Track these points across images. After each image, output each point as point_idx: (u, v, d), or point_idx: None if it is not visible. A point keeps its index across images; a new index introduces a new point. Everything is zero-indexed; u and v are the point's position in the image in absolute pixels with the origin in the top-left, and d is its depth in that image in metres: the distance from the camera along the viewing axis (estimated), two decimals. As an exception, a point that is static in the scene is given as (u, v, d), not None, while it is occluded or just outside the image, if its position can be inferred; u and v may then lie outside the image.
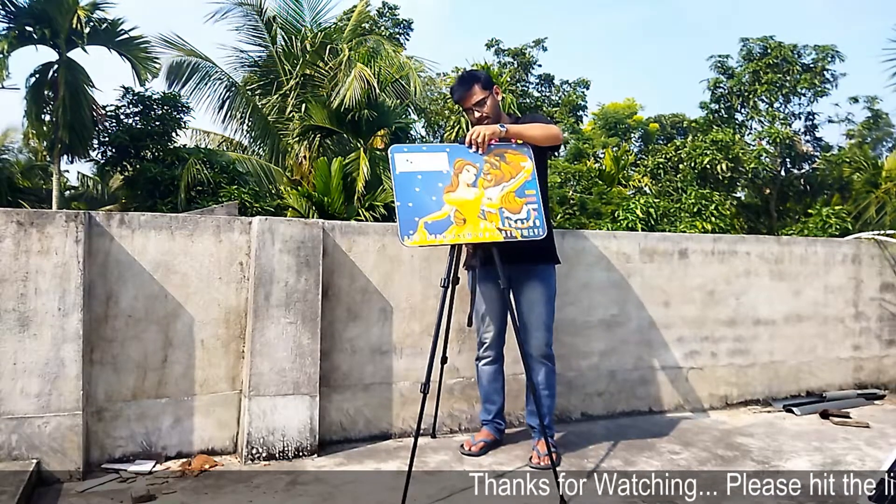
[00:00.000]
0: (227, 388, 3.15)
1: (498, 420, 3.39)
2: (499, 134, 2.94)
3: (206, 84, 15.06)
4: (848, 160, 19.68)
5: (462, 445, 3.27)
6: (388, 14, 22.53)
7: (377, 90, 12.89)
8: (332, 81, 13.43)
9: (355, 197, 12.35)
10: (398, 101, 14.65)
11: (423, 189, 2.78)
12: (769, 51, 20.33)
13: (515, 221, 2.81)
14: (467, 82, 3.20)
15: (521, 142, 2.99)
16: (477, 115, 3.14)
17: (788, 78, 20.01)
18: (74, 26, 14.46)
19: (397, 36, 21.91)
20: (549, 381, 3.17)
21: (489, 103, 3.15)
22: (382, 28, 21.38)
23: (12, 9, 14.74)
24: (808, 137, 21.63)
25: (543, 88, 25.29)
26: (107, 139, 15.43)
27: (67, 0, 14.68)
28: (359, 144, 13.36)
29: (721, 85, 21.10)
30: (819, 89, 20.15)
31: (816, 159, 21.00)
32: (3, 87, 15.38)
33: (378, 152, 13.24)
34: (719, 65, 21.45)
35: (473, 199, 2.81)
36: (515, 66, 23.84)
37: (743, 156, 18.07)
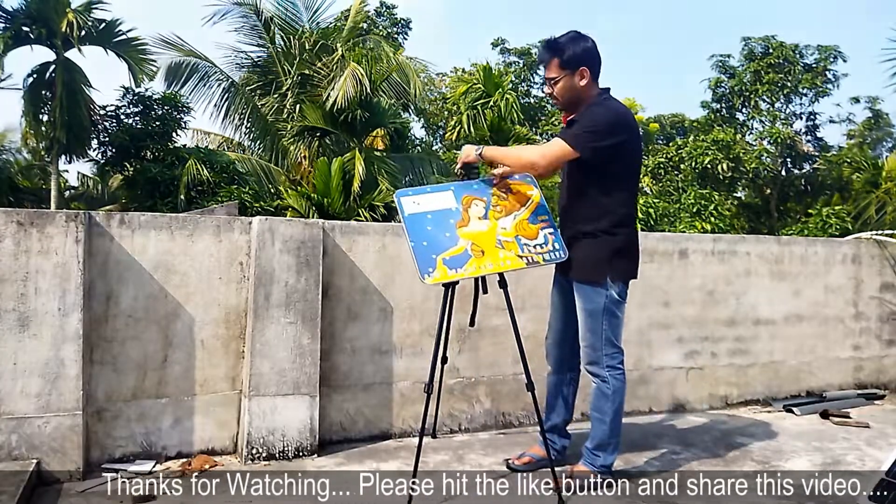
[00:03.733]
0: (227, 388, 3.15)
1: (552, 437, 2.99)
2: (473, 160, 2.88)
3: (205, 84, 15.09)
4: (848, 160, 19.67)
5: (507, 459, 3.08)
6: (385, 14, 22.52)
7: (369, 89, 12.89)
8: (329, 81, 13.44)
9: (352, 197, 12.36)
10: (395, 100, 14.65)
11: (435, 227, 2.75)
12: (771, 50, 20.31)
13: (535, 247, 2.79)
14: (547, 52, 2.80)
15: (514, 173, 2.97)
16: (546, 90, 2.86)
17: (790, 78, 20.00)
18: (65, 31, 14.46)
19: (395, 35, 21.89)
20: (597, 404, 2.86)
21: (562, 85, 2.77)
22: (380, 28, 21.36)
23: (8, 9, 14.76)
24: (808, 137, 21.64)
25: (549, 88, 25.27)
26: (107, 139, 15.40)
27: (63, 1, 14.68)
28: (353, 144, 13.37)
29: (722, 84, 21.09)
30: (820, 89, 20.13)
31: (817, 159, 20.99)
32: (1, 88, 15.38)
33: (377, 153, 13.25)
34: (721, 64, 21.45)
35: (487, 230, 2.79)
36: (521, 65, 23.84)
37: (744, 155, 18.08)
